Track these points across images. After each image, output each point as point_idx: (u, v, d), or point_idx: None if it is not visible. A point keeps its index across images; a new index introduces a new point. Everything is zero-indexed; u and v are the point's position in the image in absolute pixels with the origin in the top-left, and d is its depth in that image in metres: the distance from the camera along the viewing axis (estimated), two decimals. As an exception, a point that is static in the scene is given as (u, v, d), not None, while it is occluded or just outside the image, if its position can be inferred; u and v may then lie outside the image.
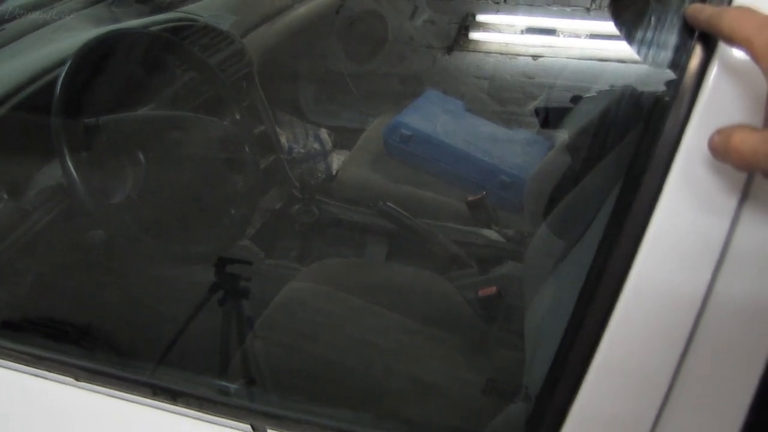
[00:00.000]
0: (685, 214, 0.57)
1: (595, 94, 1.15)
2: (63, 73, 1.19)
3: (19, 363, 0.86)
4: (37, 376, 0.85)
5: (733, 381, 0.61)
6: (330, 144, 1.82)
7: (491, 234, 1.51)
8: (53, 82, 1.19)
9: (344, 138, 1.86)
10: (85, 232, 1.25)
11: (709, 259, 0.57)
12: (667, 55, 0.66)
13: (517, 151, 1.60)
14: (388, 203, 1.52)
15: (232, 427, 0.77)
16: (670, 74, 0.61)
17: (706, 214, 0.57)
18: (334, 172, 1.77)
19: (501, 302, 1.27)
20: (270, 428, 0.76)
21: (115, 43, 1.34)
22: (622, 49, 1.13)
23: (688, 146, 0.56)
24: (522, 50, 1.16)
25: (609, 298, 0.61)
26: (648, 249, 0.59)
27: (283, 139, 1.78)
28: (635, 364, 0.61)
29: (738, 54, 0.53)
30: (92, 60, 1.25)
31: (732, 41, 0.51)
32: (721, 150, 0.51)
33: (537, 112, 1.39)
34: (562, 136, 1.23)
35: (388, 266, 1.56)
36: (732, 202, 0.56)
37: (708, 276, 0.57)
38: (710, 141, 0.52)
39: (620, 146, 0.90)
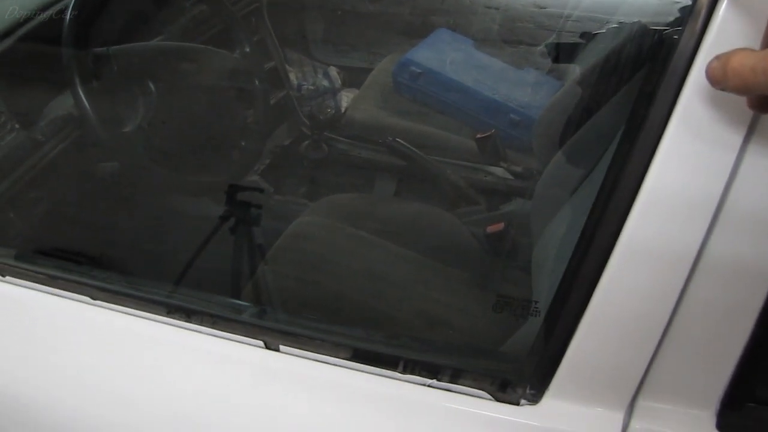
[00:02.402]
0: (686, 161, 0.58)
1: (604, 30, 1.14)
2: (72, 3, 1.18)
3: (37, 283, 0.88)
4: (53, 294, 0.87)
5: (726, 331, 0.63)
6: (339, 82, 1.81)
7: (500, 171, 1.51)
8: (63, 11, 1.18)
9: (353, 76, 1.85)
10: (97, 161, 1.26)
11: (706, 211, 0.58)
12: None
13: (527, 89, 1.59)
14: (397, 139, 1.52)
15: (245, 344, 0.79)
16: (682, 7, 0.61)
17: (707, 161, 0.57)
18: (343, 110, 1.76)
19: (508, 238, 1.28)
20: (283, 345, 0.78)
21: (124, -26, 1.33)
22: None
23: (693, 84, 0.56)
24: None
25: (606, 246, 0.62)
26: (645, 198, 0.60)
27: (292, 76, 1.77)
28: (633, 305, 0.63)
29: None
30: (102, -10, 1.25)
31: None
32: (719, 76, 0.50)
33: (548, 49, 1.37)
34: (574, 71, 1.22)
35: (397, 202, 1.57)
36: (736, 142, 0.56)
37: (706, 226, 0.58)
38: (708, 68, 0.52)
39: (631, 83, 0.90)
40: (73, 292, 0.86)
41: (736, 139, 0.56)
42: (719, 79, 0.51)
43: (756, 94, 0.52)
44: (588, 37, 1.18)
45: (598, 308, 0.64)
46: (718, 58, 0.51)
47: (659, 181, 0.59)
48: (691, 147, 0.57)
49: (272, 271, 1.20)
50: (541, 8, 1.16)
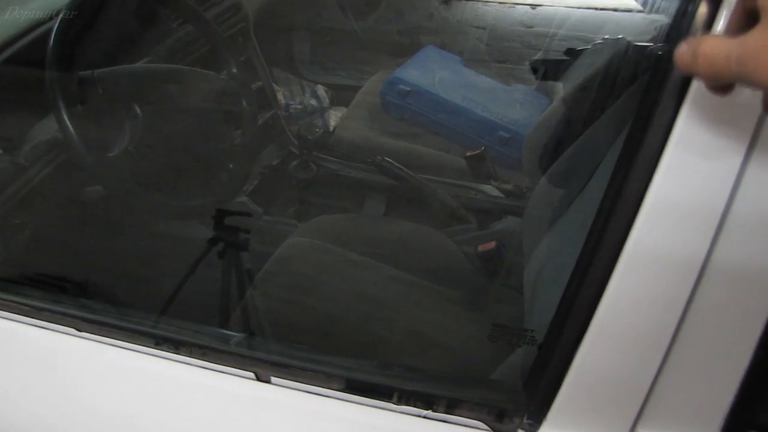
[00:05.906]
0: (687, 176, 0.57)
1: (590, 46, 1.14)
2: (56, 25, 1.16)
3: (20, 314, 0.85)
4: (38, 326, 0.85)
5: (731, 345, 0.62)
6: (327, 100, 1.81)
7: (490, 189, 1.50)
8: (47, 34, 1.17)
9: (341, 95, 1.85)
10: (82, 186, 1.24)
11: (710, 222, 0.57)
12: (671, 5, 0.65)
13: (516, 106, 1.59)
14: (386, 158, 1.51)
15: (235, 375, 0.77)
16: (671, 24, 0.60)
17: (708, 175, 0.56)
18: (331, 129, 1.75)
19: (500, 257, 1.28)
20: (274, 376, 0.76)
21: (109, -5, 1.31)
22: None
23: (691, 101, 0.56)
24: (521, -1, 1.15)
25: (610, 257, 0.61)
26: (648, 211, 0.58)
27: (279, 96, 1.77)
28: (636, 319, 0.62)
29: None
30: (86, 12, 1.23)
31: None
32: (688, 61, 0.50)
33: (534, 66, 1.37)
34: (561, 89, 1.21)
35: (387, 221, 1.56)
36: (741, 148, 0.55)
37: (710, 238, 0.57)
38: (677, 52, 0.51)
39: (621, 100, 0.89)
40: (58, 323, 0.84)
41: (741, 145, 0.55)
42: (688, 65, 0.50)
43: (725, 83, 0.51)
44: (573, 53, 1.18)
45: (595, 338, 0.63)
46: (687, 42, 0.50)
47: (663, 190, 0.58)
48: (695, 154, 0.56)
49: (261, 295, 1.19)
50: (529, 27, 1.16)
